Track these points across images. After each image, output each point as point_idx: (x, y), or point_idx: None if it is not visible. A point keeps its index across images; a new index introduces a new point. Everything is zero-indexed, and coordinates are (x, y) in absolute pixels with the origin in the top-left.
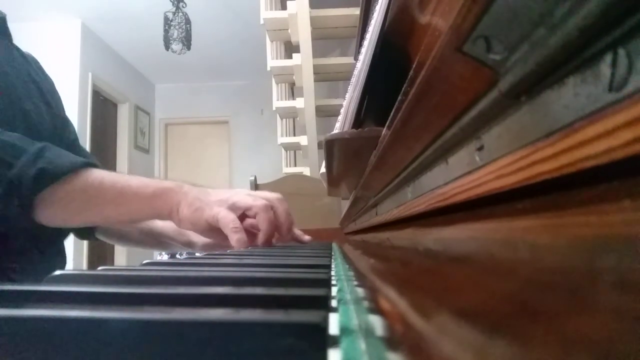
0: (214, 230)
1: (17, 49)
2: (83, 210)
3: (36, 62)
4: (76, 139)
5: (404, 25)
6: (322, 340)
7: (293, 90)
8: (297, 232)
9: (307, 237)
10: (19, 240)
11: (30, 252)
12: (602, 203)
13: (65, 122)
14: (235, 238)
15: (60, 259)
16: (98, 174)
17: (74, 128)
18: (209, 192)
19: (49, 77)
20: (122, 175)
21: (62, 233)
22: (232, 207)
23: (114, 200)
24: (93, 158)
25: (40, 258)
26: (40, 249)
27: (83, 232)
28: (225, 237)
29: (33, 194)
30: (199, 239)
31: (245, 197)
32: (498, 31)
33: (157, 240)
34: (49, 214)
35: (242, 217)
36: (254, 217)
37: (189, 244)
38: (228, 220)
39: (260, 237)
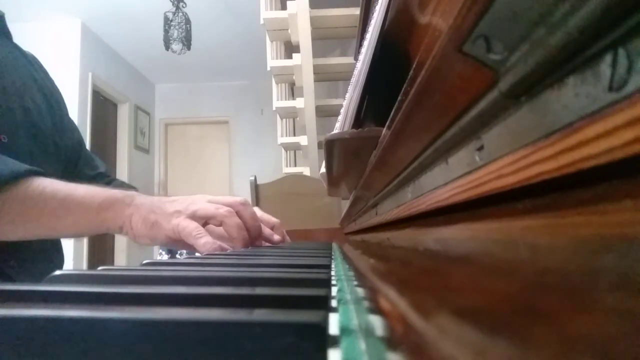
0: (176, 242)
1: (18, 47)
2: (21, 222)
3: (37, 62)
4: (82, 142)
5: (404, 25)
6: (322, 340)
7: (293, 90)
8: (267, 231)
9: (277, 237)
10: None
11: (25, 248)
12: (602, 203)
13: (69, 123)
14: (202, 242)
15: (56, 255)
16: (39, 183)
17: (79, 132)
18: (164, 203)
19: (50, 77)
20: (67, 184)
21: None
22: (192, 216)
23: (54, 211)
24: (102, 163)
25: (35, 255)
26: (34, 245)
27: None
28: (190, 245)
29: None
30: None
31: (206, 204)
32: (498, 31)
33: None
34: None
35: (205, 226)
36: (219, 225)
37: None
38: (190, 229)
39: (237, 246)
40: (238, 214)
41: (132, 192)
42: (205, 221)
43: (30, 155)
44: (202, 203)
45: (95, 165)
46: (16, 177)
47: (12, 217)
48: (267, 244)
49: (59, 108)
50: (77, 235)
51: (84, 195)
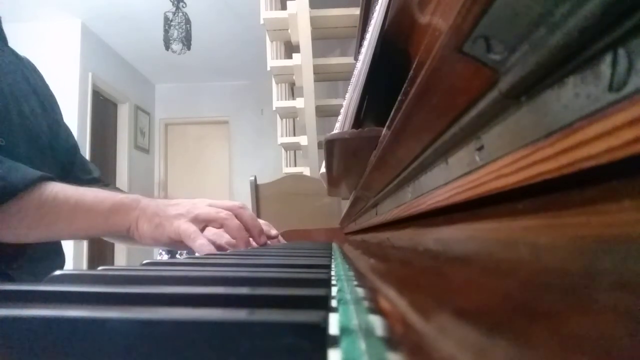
0: (177, 244)
1: (13, 51)
2: (36, 227)
3: (32, 65)
4: (76, 147)
5: (404, 25)
6: (322, 340)
7: (293, 90)
8: (264, 227)
9: (274, 231)
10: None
11: (27, 250)
12: (602, 203)
13: (64, 127)
14: (197, 244)
15: (58, 256)
16: (52, 189)
17: (73, 136)
18: (168, 206)
19: (45, 81)
20: (77, 189)
21: None
22: (194, 220)
23: (67, 216)
24: (96, 168)
25: (37, 256)
26: (36, 247)
27: None
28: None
29: None
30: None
31: (207, 208)
32: (498, 31)
33: None
34: (0, 230)
35: (205, 229)
36: (220, 227)
37: None
38: (189, 232)
39: (239, 245)
40: (237, 216)
41: (137, 196)
42: (205, 224)
43: (28, 159)
44: (203, 207)
45: (90, 169)
46: (31, 184)
47: (29, 222)
48: (269, 243)
49: (54, 112)
50: (87, 237)
51: (94, 200)
